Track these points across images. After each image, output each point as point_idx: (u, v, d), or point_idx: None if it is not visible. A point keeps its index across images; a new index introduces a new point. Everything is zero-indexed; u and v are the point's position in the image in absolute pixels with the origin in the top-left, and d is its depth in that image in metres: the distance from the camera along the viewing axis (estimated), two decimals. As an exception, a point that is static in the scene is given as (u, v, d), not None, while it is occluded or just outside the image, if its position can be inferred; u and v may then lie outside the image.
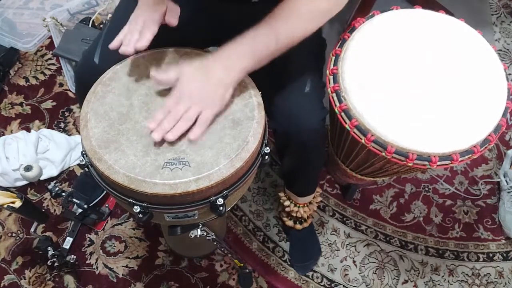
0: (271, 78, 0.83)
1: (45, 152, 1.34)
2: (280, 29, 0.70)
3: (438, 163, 0.81)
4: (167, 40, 0.77)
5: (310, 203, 1.19)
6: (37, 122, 1.44)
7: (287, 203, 1.19)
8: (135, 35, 0.72)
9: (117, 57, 0.75)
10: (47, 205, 1.30)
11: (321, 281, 1.24)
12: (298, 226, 1.22)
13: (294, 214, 1.19)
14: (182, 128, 0.66)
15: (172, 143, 0.67)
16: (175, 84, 0.69)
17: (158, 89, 0.74)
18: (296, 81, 0.85)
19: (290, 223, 1.23)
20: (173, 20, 0.73)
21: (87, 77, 0.81)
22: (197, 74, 0.69)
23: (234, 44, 0.69)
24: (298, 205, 1.18)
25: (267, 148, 0.72)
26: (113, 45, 0.73)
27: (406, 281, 1.26)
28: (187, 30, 0.79)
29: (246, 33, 0.69)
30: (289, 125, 0.84)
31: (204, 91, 0.68)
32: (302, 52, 0.87)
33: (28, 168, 1.24)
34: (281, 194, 1.21)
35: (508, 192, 1.35)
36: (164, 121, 0.66)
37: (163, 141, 0.67)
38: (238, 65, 0.69)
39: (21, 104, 1.48)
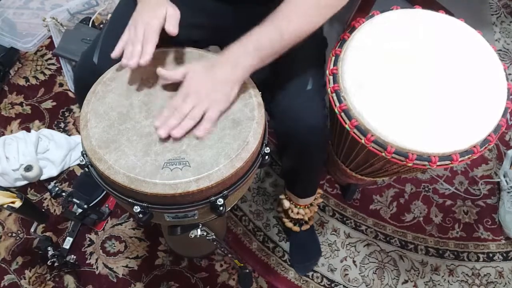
0: (273, 76, 0.83)
1: (45, 152, 1.34)
2: (284, 27, 0.71)
3: (438, 163, 0.81)
4: (167, 39, 0.77)
5: (311, 204, 1.18)
6: (37, 122, 1.44)
7: (287, 204, 1.17)
8: (137, 47, 0.71)
9: None
10: (47, 205, 1.30)
11: (321, 281, 1.24)
12: (296, 228, 1.21)
13: (294, 216, 1.18)
14: (188, 126, 0.67)
15: (172, 142, 0.67)
16: (182, 82, 0.70)
17: (158, 89, 0.74)
18: (298, 79, 0.85)
19: (290, 224, 1.22)
20: (172, 28, 0.73)
21: (86, 77, 0.81)
22: (204, 72, 0.70)
23: (239, 43, 0.71)
24: (298, 206, 1.17)
25: (267, 148, 0.72)
26: (114, 54, 0.74)
27: (406, 281, 1.26)
28: (188, 30, 0.79)
29: (251, 32, 0.71)
30: (291, 123, 0.84)
31: (210, 89, 0.69)
32: (303, 50, 0.87)
33: (28, 168, 1.24)
34: (282, 196, 1.19)
35: (508, 192, 1.35)
36: (170, 119, 0.67)
37: (167, 138, 0.67)
38: (244, 63, 0.71)
39: (21, 104, 1.48)
